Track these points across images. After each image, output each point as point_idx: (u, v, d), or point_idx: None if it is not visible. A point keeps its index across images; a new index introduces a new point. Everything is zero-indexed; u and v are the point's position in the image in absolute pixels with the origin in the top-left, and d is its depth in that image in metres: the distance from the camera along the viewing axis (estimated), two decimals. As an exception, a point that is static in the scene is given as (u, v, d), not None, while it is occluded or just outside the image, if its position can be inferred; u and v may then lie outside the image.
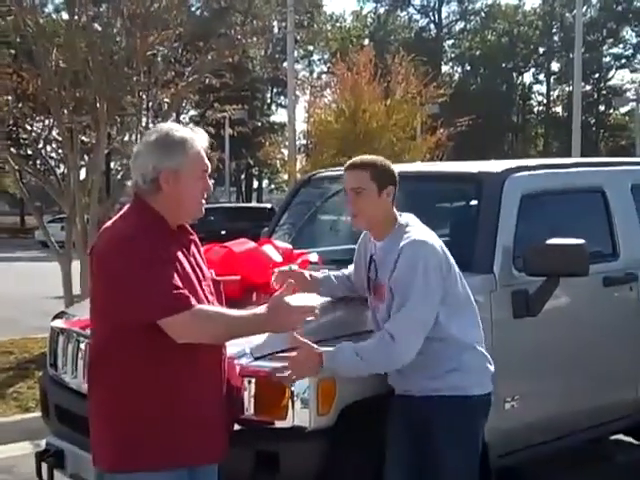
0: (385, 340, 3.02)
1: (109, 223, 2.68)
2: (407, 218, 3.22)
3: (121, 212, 2.70)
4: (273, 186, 58.40)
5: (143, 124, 9.01)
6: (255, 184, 60.12)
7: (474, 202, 4.27)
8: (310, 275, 3.59)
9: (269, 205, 26.72)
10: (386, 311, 3.13)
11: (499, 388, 3.45)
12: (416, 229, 3.15)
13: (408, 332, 3.00)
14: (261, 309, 2.65)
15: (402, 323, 3.01)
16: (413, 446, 3.19)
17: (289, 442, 3.17)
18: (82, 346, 3.77)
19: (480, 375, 3.19)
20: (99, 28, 8.72)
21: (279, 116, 56.66)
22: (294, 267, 3.69)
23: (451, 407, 3.10)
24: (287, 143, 22.22)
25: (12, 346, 8.34)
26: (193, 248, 2.76)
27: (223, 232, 14.58)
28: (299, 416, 3.17)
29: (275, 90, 56.04)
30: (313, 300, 3.02)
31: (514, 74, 59.10)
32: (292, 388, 3.15)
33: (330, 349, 3.01)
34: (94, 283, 2.64)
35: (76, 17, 8.11)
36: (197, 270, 2.70)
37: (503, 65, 57.45)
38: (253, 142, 45.57)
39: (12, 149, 9.50)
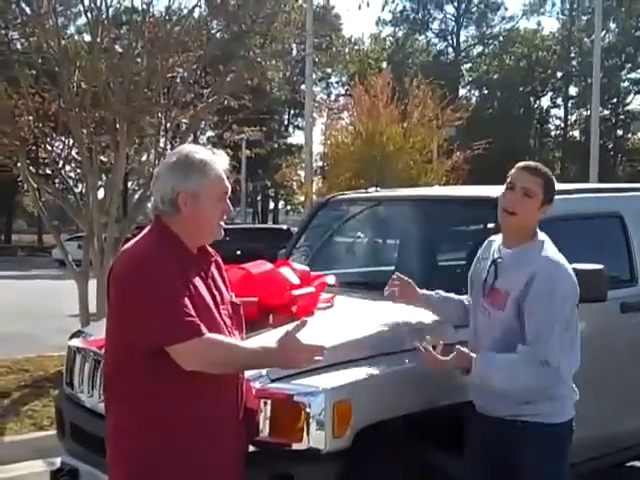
0: (539, 365, 3.02)
1: (129, 244, 2.67)
2: (544, 236, 3.22)
3: (141, 234, 2.70)
4: (289, 208, 58.58)
5: (161, 145, 9.08)
6: (271, 205, 60.30)
7: (491, 226, 4.25)
8: (423, 294, 3.64)
9: (285, 226, 26.75)
10: (507, 322, 3.13)
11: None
12: (554, 250, 3.16)
13: (562, 358, 3.05)
14: (271, 344, 2.64)
15: (556, 349, 3.03)
16: (492, 466, 3.21)
17: (304, 464, 3.16)
18: (99, 366, 3.79)
19: (564, 402, 3.19)
20: (120, 50, 8.84)
21: (296, 138, 57.09)
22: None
23: (535, 433, 3.11)
24: (304, 165, 22.33)
25: (28, 363, 8.37)
26: (214, 270, 2.75)
27: (238, 252, 14.59)
28: (314, 438, 3.16)
29: (292, 112, 56.33)
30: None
31: (532, 98, 59.07)
32: (308, 410, 3.14)
33: (475, 355, 3.05)
34: (110, 303, 2.65)
35: (98, 39, 8.21)
36: (215, 293, 2.69)
37: (521, 89, 57.42)
38: (270, 164, 45.87)
39: (31, 168, 9.56)
